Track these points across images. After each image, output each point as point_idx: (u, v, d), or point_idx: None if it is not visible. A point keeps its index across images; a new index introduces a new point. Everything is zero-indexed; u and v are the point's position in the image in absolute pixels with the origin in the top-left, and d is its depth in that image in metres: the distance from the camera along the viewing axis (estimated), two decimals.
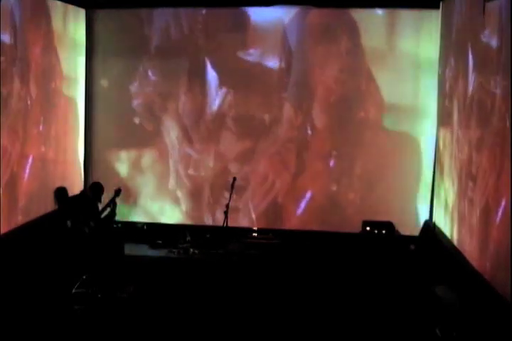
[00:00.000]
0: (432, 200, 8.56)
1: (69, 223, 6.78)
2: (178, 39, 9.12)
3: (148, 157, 9.33)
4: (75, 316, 6.11)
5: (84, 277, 6.74)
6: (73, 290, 6.61)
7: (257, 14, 8.89)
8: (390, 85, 8.76)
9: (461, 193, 6.78)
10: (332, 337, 5.86)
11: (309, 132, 8.98)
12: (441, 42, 8.29)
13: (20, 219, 7.44)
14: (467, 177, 6.50)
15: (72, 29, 8.84)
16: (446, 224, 7.59)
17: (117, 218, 7.57)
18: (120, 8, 9.12)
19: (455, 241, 6.98)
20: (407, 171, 8.81)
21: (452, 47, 7.55)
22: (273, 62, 8.96)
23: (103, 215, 7.34)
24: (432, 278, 6.91)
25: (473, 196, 6.23)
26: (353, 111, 8.88)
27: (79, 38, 9.09)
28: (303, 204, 9.05)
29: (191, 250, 8.62)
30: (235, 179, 8.10)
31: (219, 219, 8.50)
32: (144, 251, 8.55)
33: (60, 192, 7.14)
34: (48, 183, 7.96)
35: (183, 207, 9.29)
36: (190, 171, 9.25)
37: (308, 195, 9.02)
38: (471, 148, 6.37)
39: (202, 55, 9.09)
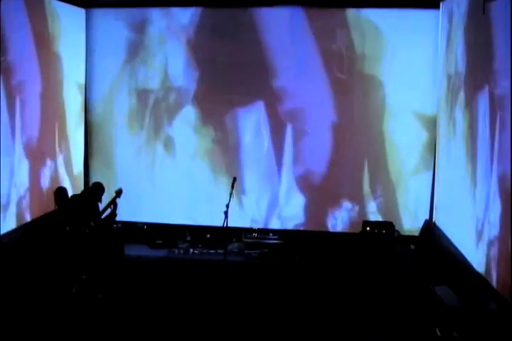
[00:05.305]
0: (432, 200, 8.56)
1: (68, 228, 6.77)
2: (178, 38, 9.11)
3: (148, 156, 9.34)
4: (74, 316, 6.10)
5: (84, 277, 6.74)
6: (73, 291, 6.61)
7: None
8: (389, 85, 8.75)
9: (461, 192, 6.79)
10: (332, 336, 5.87)
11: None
12: (441, 43, 8.28)
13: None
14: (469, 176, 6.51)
15: (72, 29, 8.83)
16: (446, 223, 7.60)
17: (117, 218, 7.58)
18: (120, 8, 9.12)
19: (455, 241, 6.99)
20: (407, 171, 8.82)
21: (452, 47, 7.55)
22: None
23: (103, 216, 7.35)
24: (432, 278, 6.91)
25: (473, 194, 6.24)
26: (353, 111, 8.87)
27: (79, 38, 9.08)
28: (303, 204, 9.06)
29: (191, 250, 8.63)
30: (235, 179, 8.07)
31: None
32: (144, 251, 8.55)
33: (60, 192, 7.14)
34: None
35: (184, 206, 9.30)
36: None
37: (308, 194, 9.04)
38: (471, 147, 6.38)
39: (202, 54, 9.10)
